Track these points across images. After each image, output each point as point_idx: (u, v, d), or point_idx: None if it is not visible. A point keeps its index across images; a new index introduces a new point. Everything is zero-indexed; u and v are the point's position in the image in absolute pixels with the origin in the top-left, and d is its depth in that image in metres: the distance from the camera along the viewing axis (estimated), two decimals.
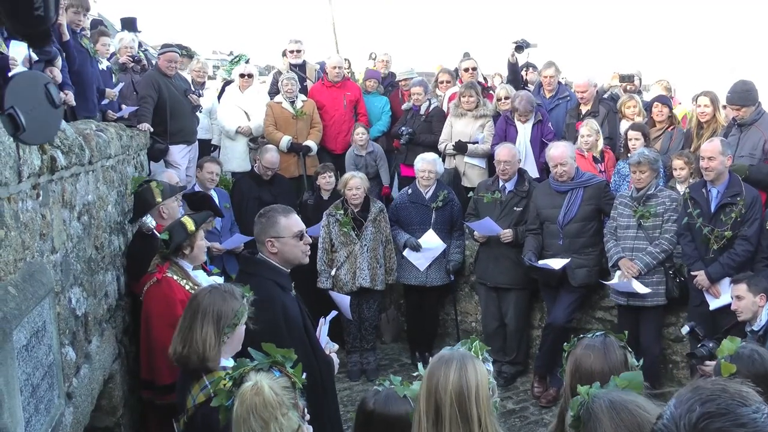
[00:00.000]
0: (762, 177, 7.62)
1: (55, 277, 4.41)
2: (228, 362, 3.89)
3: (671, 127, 9.27)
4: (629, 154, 8.33)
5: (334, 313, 5.15)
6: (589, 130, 9.08)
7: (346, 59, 13.69)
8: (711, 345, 6.19)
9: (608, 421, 2.49)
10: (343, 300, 8.70)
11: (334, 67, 11.20)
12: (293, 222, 4.92)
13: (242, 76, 11.18)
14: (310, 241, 5.00)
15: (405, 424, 3.14)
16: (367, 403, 3.49)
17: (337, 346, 4.75)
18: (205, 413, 3.62)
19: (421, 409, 2.95)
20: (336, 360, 4.80)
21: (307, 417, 3.43)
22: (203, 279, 6.02)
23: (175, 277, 5.79)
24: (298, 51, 12.11)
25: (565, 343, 3.42)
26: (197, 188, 8.88)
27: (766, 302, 6.08)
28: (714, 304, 7.27)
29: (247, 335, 4.08)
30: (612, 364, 3.19)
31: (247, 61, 12.27)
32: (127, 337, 6.63)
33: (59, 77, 6.53)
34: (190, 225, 5.86)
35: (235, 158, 10.83)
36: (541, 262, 8.17)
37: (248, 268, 4.88)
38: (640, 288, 7.67)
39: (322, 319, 5.15)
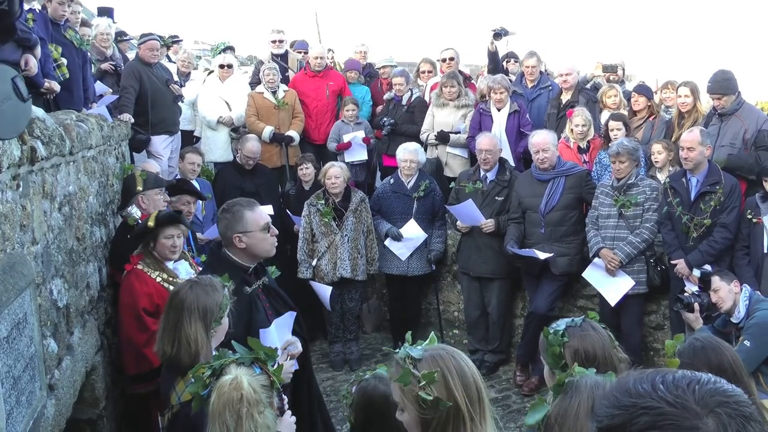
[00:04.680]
0: (741, 164, 7.68)
1: (36, 268, 4.40)
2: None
3: (652, 117, 9.31)
4: (609, 145, 8.37)
5: (293, 314, 5.04)
6: (583, 119, 9.05)
7: (329, 50, 13.66)
8: (701, 296, 6.27)
9: (586, 395, 2.57)
10: (324, 290, 8.72)
11: (316, 57, 11.17)
12: (259, 215, 4.82)
13: (222, 66, 11.12)
14: (276, 232, 4.94)
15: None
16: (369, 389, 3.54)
17: (299, 349, 4.52)
18: (190, 412, 3.57)
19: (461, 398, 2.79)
20: (291, 366, 4.41)
21: (288, 416, 3.45)
22: (183, 271, 6.03)
23: (146, 269, 5.81)
24: (280, 41, 12.06)
25: (546, 329, 3.45)
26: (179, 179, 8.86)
27: (741, 289, 6.14)
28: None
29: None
30: (604, 341, 3.30)
31: (224, 50, 12.20)
32: (109, 329, 6.62)
33: (34, 68, 6.46)
34: (151, 221, 5.88)
35: (217, 148, 10.78)
36: (525, 250, 8.21)
37: (212, 264, 4.82)
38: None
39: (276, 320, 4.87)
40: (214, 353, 3.66)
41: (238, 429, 3.10)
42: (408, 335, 3.06)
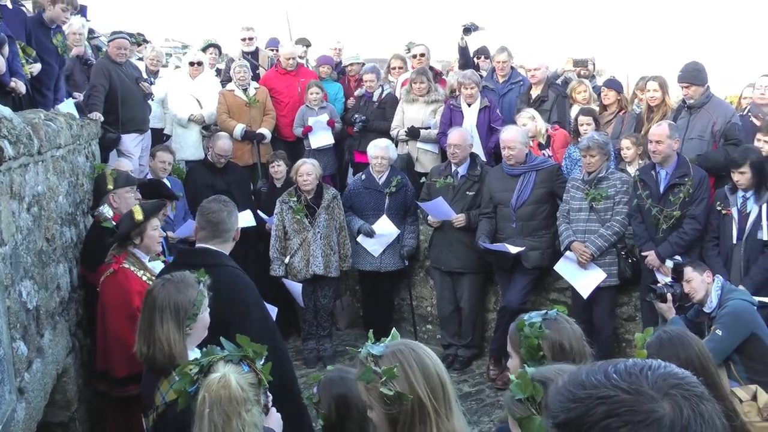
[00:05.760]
0: (710, 164, 7.77)
1: (5, 270, 4.36)
2: (195, 353, 3.82)
3: (622, 111, 9.39)
4: (579, 139, 8.43)
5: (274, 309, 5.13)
6: (523, 119, 9.11)
7: (306, 44, 13.58)
8: (674, 287, 6.34)
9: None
10: (296, 287, 8.72)
11: (287, 57, 11.15)
12: None
13: (192, 64, 11.05)
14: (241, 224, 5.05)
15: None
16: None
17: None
18: (176, 411, 3.54)
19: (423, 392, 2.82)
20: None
21: (275, 412, 3.45)
22: (159, 271, 5.99)
23: (132, 268, 5.76)
24: (250, 38, 12.03)
25: (522, 321, 3.47)
26: (150, 177, 8.82)
27: (713, 279, 6.21)
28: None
29: (217, 322, 4.08)
30: (577, 334, 3.36)
31: (205, 49, 12.14)
32: (81, 330, 6.56)
33: (2, 66, 6.40)
34: (138, 214, 5.82)
35: (188, 146, 10.73)
36: (497, 244, 8.25)
37: (208, 261, 4.68)
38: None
39: None
40: (196, 351, 3.65)
41: (225, 427, 3.09)
42: (370, 333, 3.08)
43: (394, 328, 3.28)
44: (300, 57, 12.18)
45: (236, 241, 4.98)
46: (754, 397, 5.29)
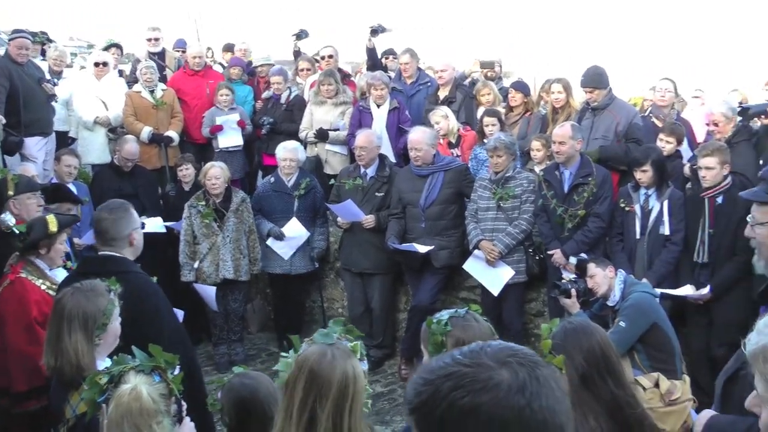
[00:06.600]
0: (611, 155, 7.98)
1: None
2: (105, 362, 3.70)
3: (528, 113, 9.56)
4: (485, 140, 8.56)
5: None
6: (437, 117, 9.23)
7: (209, 48, 13.50)
8: (578, 282, 6.50)
9: None
10: (208, 291, 8.65)
11: (195, 57, 11.05)
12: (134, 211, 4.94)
13: (97, 64, 10.78)
14: (148, 229, 4.99)
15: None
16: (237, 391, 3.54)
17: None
18: (86, 423, 3.47)
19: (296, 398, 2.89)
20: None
21: (188, 421, 3.42)
22: (62, 278, 5.85)
23: (30, 277, 5.57)
24: (156, 39, 11.87)
25: (430, 319, 3.51)
26: (55, 182, 8.61)
27: (616, 274, 6.39)
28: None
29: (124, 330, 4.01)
30: (485, 332, 3.42)
31: (106, 49, 11.90)
32: None
33: None
34: (53, 225, 5.65)
35: (94, 150, 10.46)
36: (406, 245, 8.31)
37: (113, 267, 4.58)
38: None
39: None
40: (107, 361, 3.58)
41: None
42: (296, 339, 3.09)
43: (296, 337, 3.25)
44: (208, 58, 12.10)
45: (136, 246, 4.86)
46: (657, 384, 5.49)
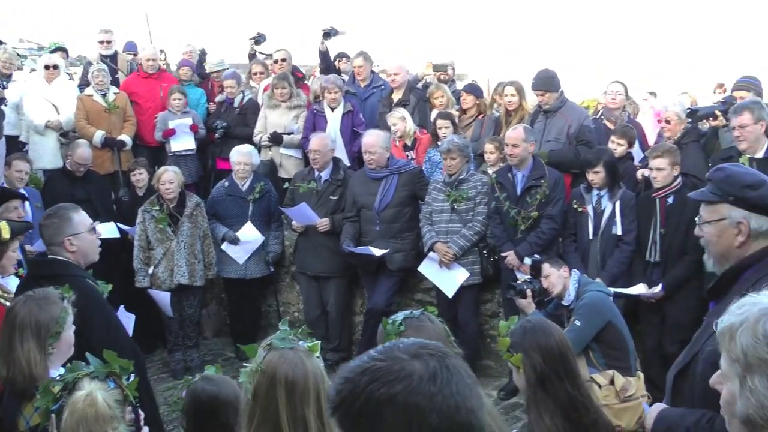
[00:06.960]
0: (561, 159, 8.08)
1: None
2: (59, 371, 3.64)
3: (481, 116, 9.62)
4: (439, 142, 8.61)
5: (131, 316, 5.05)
6: (394, 119, 9.30)
7: (162, 50, 13.39)
8: (533, 283, 6.58)
9: None
10: (163, 297, 8.59)
11: (149, 59, 10.96)
12: (84, 216, 4.87)
13: (47, 67, 10.64)
14: (102, 234, 4.93)
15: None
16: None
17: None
18: None
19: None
20: None
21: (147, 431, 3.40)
22: (14, 286, 5.77)
23: None
24: (108, 42, 11.76)
25: (385, 320, 3.53)
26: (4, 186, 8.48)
27: (570, 274, 6.49)
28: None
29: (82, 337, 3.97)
30: (440, 333, 3.41)
31: (53, 51, 11.76)
32: None
33: None
34: (6, 233, 5.57)
35: (46, 154, 10.31)
36: (361, 248, 8.33)
37: (58, 271, 4.64)
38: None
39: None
40: (60, 370, 3.54)
41: None
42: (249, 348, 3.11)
43: (250, 346, 3.24)
44: (161, 60, 12.01)
45: (78, 253, 4.82)
46: (612, 382, 5.56)
